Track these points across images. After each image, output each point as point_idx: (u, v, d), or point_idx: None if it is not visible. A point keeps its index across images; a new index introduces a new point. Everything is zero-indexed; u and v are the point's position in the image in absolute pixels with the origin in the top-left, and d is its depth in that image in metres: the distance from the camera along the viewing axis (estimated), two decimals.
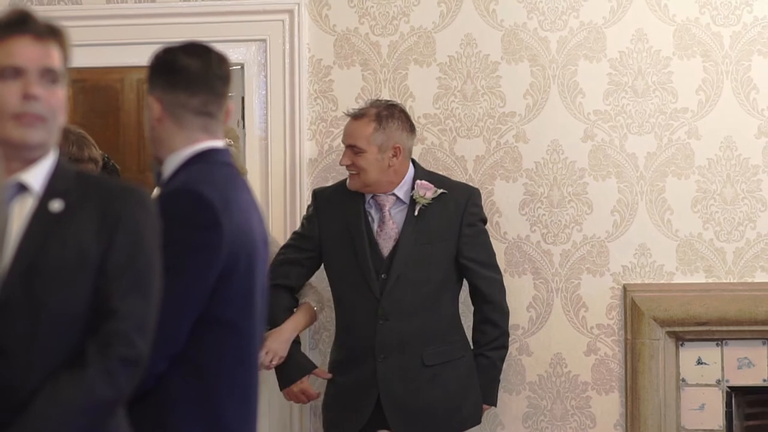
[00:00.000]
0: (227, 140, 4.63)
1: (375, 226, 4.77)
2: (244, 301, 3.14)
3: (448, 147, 5.26)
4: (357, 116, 4.76)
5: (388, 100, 4.90)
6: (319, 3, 5.32)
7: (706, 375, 5.18)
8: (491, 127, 5.26)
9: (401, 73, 5.29)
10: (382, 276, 4.72)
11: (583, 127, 5.24)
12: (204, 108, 3.19)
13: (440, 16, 5.29)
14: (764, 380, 5.18)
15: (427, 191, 4.77)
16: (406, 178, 4.79)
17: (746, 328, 5.14)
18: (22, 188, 2.72)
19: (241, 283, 3.11)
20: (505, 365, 5.09)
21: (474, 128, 5.25)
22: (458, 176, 5.17)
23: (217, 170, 3.17)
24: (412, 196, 4.77)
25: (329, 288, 4.92)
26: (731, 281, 5.20)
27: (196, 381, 3.08)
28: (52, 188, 2.73)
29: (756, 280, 5.21)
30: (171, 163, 3.18)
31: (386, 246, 4.75)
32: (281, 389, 4.83)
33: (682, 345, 5.19)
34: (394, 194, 4.78)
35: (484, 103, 5.26)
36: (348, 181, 4.78)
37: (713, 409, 5.17)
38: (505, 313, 4.88)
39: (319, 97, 5.31)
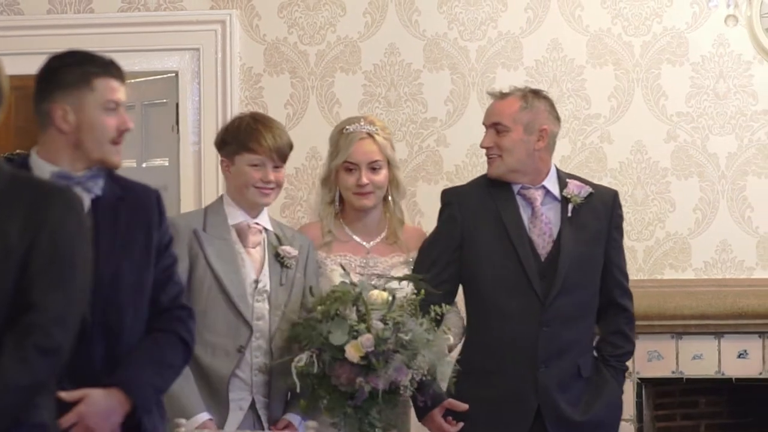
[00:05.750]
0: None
1: (526, 223, 4.30)
2: None
3: None
4: (502, 96, 4.34)
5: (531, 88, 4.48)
6: (250, 14, 5.51)
7: None
8: (414, 132, 5.43)
9: (328, 81, 5.47)
10: (545, 279, 4.26)
11: None
12: None
13: (365, 26, 5.47)
14: (672, 372, 5.33)
15: (580, 190, 4.33)
16: (552, 170, 4.36)
17: (656, 322, 5.26)
18: None
19: None
20: None
21: (397, 133, 5.35)
22: None
23: None
24: (563, 194, 4.32)
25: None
26: (642, 278, 5.31)
27: None
28: None
29: (665, 277, 5.36)
30: None
31: (543, 245, 4.29)
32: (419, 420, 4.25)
33: None
34: (543, 187, 4.32)
35: (407, 109, 5.42)
36: (488, 168, 4.35)
37: (624, 399, 5.13)
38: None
39: (250, 104, 5.47)
